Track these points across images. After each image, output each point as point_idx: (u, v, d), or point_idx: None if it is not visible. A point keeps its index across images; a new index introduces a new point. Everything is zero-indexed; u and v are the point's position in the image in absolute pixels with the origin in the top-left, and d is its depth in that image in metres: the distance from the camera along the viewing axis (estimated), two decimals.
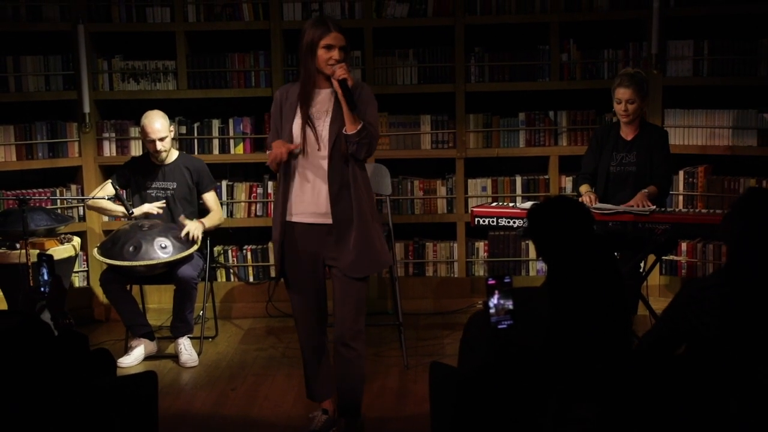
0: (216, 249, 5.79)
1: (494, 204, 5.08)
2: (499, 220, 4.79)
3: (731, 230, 2.89)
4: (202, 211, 5.37)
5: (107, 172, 5.75)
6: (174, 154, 5.33)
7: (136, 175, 5.32)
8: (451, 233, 5.93)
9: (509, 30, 5.83)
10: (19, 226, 4.88)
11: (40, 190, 5.75)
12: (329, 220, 3.87)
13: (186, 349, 5.11)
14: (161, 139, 5.17)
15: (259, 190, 5.92)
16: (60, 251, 5.17)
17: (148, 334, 5.15)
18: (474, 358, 2.91)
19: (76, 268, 5.67)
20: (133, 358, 5.07)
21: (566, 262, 2.90)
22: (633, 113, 4.86)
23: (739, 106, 5.60)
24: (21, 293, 4.83)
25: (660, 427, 2.79)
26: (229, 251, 5.99)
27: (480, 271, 5.96)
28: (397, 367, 4.94)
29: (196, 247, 5.08)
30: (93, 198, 5.24)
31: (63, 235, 5.38)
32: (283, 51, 5.78)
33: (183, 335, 5.12)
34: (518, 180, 5.89)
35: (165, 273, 5.08)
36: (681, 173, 5.68)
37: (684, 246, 5.71)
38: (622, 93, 4.84)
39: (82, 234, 5.76)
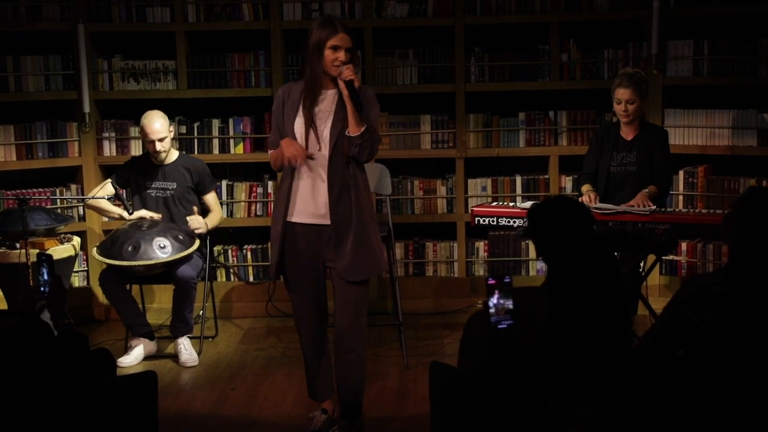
0: (216, 249, 5.79)
1: (494, 204, 5.08)
2: (499, 220, 4.79)
3: (732, 230, 2.89)
4: (203, 212, 5.36)
5: (107, 171, 5.75)
6: (174, 155, 5.33)
7: (136, 175, 5.32)
8: (451, 233, 5.93)
9: (509, 30, 5.83)
10: (19, 226, 4.88)
11: (40, 189, 5.75)
12: (328, 221, 3.87)
13: (186, 348, 5.10)
14: (161, 140, 5.17)
15: (259, 190, 5.92)
16: (60, 251, 5.17)
17: (148, 333, 5.15)
18: (474, 358, 2.91)
19: (75, 268, 5.67)
20: (133, 357, 5.07)
21: (566, 262, 2.90)
22: (633, 113, 4.86)
23: (739, 106, 5.60)
24: (21, 293, 4.81)
25: (660, 427, 2.79)
26: (229, 251, 5.99)
27: (480, 270, 5.96)
28: (397, 367, 4.94)
29: (195, 246, 5.08)
30: (93, 198, 5.24)
31: (63, 235, 5.38)
32: (283, 51, 5.77)
33: (183, 335, 5.12)
34: (518, 180, 5.89)
35: (164, 273, 5.08)
36: (681, 173, 5.68)
37: (684, 246, 5.71)
38: (621, 93, 4.84)
39: (81, 234, 5.76)
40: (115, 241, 4.99)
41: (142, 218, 5.14)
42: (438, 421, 3.19)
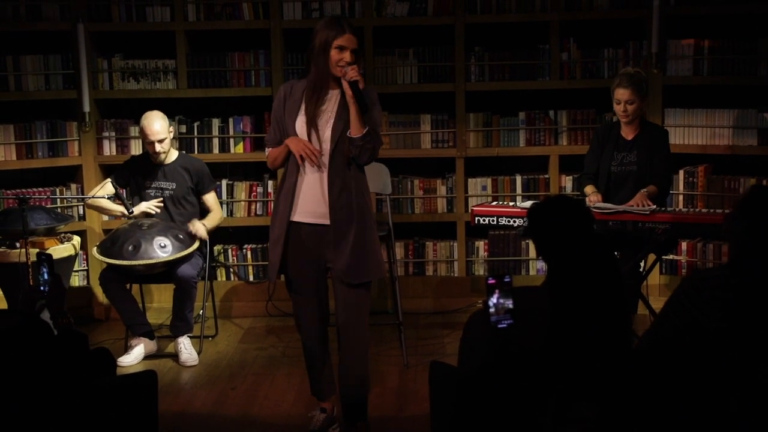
0: (216, 248, 5.79)
1: (494, 203, 5.08)
2: (499, 220, 4.78)
3: (734, 229, 2.88)
4: (203, 211, 5.36)
5: (107, 171, 5.76)
6: (174, 155, 5.32)
7: (136, 174, 5.32)
8: (451, 232, 5.93)
9: (509, 29, 5.83)
10: (19, 225, 4.88)
11: (40, 189, 5.76)
12: (328, 221, 3.86)
13: (186, 348, 5.10)
14: (160, 141, 5.16)
15: (259, 189, 5.92)
16: (60, 250, 5.17)
17: (148, 333, 5.15)
18: (474, 357, 2.91)
19: (75, 267, 5.67)
20: (133, 357, 5.07)
21: (566, 261, 2.89)
22: (632, 113, 4.86)
23: (740, 105, 5.60)
24: (21, 292, 4.82)
25: (660, 427, 2.79)
26: (229, 250, 6.00)
27: (480, 270, 5.96)
28: (397, 367, 4.94)
29: (195, 246, 5.08)
30: (93, 197, 5.25)
31: (63, 234, 5.38)
32: (283, 50, 5.77)
33: (183, 334, 5.12)
34: (518, 179, 5.89)
35: (164, 272, 5.08)
36: (681, 173, 5.68)
37: (684, 245, 5.71)
38: (621, 93, 4.84)
39: (81, 233, 5.76)
40: (116, 241, 4.99)
41: (144, 214, 5.15)
42: (438, 421, 3.19)
